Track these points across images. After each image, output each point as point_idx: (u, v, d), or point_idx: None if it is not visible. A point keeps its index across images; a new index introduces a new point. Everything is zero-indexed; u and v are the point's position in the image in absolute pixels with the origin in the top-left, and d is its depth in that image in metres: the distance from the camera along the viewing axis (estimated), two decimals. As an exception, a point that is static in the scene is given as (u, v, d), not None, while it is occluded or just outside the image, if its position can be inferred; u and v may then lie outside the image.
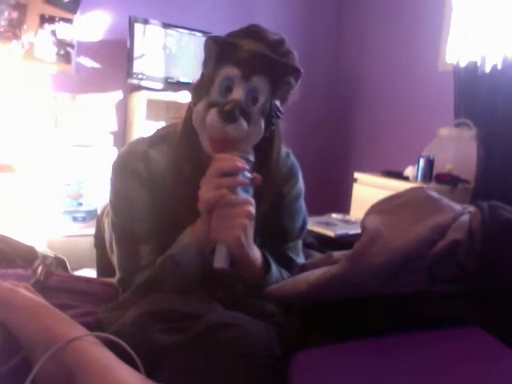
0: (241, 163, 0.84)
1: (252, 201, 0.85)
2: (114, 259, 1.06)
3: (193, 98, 0.91)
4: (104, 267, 1.34)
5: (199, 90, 0.89)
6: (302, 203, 1.10)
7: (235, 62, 0.85)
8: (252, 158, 0.86)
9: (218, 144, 0.87)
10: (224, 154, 0.85)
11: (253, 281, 0.94)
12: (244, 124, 0.85)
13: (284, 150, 1.06)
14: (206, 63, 0.89)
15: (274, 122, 0.90)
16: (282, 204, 1.05)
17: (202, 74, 0.91)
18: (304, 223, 1.11)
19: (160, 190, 0.96)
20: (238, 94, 0.85)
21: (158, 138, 1.00)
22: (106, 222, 1.26)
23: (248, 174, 0.85)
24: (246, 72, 0.84)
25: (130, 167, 0.96)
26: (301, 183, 1.09)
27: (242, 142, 0.87)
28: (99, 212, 1.42)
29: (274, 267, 0.96)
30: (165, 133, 1.01)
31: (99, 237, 1.37)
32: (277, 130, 0.95)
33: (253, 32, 0.90)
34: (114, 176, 0.98)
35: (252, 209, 0.84)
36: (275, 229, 1.04)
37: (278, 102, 0.89)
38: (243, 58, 0.85)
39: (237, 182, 0.84)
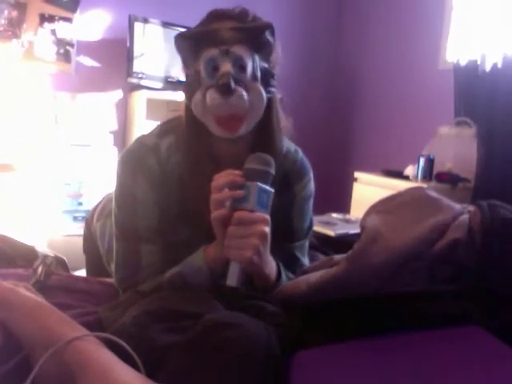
0: (238, 178, 0.83)
1: (268, 218, 0.83)
2: (112, 263, 1.05)
3: (187, 97, 0.92)
4: (95, 272, 1.31)
5: (190, 86, 0.91)
6: (311, 204, 1.11)
7: (211, 44, 0.87)
8: (273, 171, 0.85)
9: (226, 121, 0.88)
10: (227, 171, 0.84)
11: (261, 288, 0.94)
12: (243, 93, 0.86)
13: (292, 145, 1.07)
14: (185, 62, 0.92)
15: (271, 83, 0.91)
16: (292, 202, 1.05)
17: (187, 75, 0.92)
18: (311, 223, 1.11)
19: (169, 185, 0.96)
20: (225, 67, 0.86)
21: (167, 130, 1.00)
22: (98, 227, 1.24)
23: (269, 188, 0.84)
24: (223, 47, 0.87)
25: (141, 162, 0.95)
26: (312, 184, 1.10)
27: (248, 113, 0.88)
28: (90, 214, 1.38)
29: (284, 276, 0.96)
30: (172, 125, 1.01)
31: (89, 241, 1.33)
32: (273, 98, 0.95)
33: (216, 15, 0.94)
34: (121, 170, 0.97)
35: (267, 228, 0.83)
36: (284, 227, 1.03)
37: (266, 65, 0.91)
38: (217, 37, 0.87)
39: (228, 195, 0.82)
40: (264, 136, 0.96)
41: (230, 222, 0.83)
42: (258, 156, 0.85)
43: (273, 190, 0.85)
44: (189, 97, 0.91)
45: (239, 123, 0.88)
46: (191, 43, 0.88)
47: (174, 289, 0.91)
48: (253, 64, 0.88)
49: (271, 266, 0.91)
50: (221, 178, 0.84)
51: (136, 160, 0.96)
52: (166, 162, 0.96)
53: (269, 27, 0.89)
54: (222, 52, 0.86)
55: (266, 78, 0.90)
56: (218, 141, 0.92)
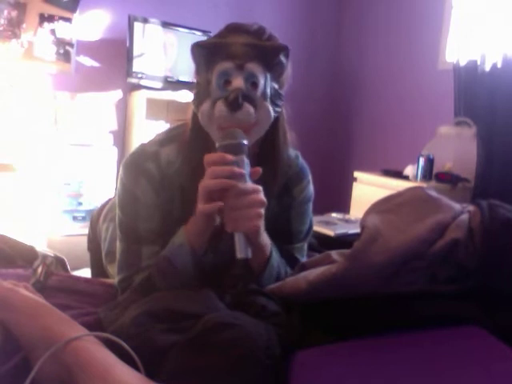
0: (237, 169, 0.84)
1: (260, 188, 0.86)
2: (110, 269, 1.05)
3: (195, 105, 0.92)
4: (98, 271, 1.32)
5: (199, 96, 0.91)
6: (311, 206, 1.11)
7: (226, 57, 0.88)
8: (246, 141, 0.87)
9: None
10: (216, 154, 0.85)
11: (255, 265, 0.94)
12: (250, 109, 0.87)
13: (293, 151, 1.08)
14: (198, 70, 0.93)
15: (278, 104, 0.92)
16: (291, 205, 1.06)
17: (198, 83, 0.93)
18: (311, 226, 1.12)
19: (170, 190, 0.97)
20: (237, 83, 0.87)
21: (169, 139, 1.01)
22: (104, 228, 1.24)
23: (246, 160, 0.86)
24: (239, 62, 0.87)
25: (141, 167, 0.97)
26: (311, 187, 1.11)
27: (253, 127, 0.89)
28: (95, 214, 1.38)
29: (275, 254, 0.97)
30: (175, 133, 1.02)
31: (93, 240, 1.35)
32: (281, 116, 0.96)
33: (233, 28, 0.94)
34: (123, 174, 0.99)
35: (263, 196, 0.85)
36: (283, 229, 1.05)
37: (276, 85, 0.92)
38: (233, 51, 0.88)
39: (235, 170, 0.83)
40: (269, 152, 0.97)
41: (222, 195, 0.84)
42: (231, 131, 0.87)
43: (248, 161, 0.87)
44: (197, 105, 0.91)
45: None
46: (206, 53, 0.89)
47: (160, 274, 0.91)
48: (265, 82, 0.89)
49: (265, 237, 0.93)
50: (219, 169, 0.84)
51: (137, 164, 0.98)
52: (165, 169, 0.97)
53: (284, 49, 0.90)
54: (237, 66, 0.87)
55: (275, 98, 0.91)
56: None
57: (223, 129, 0.88)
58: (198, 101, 0.91)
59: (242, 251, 0.84)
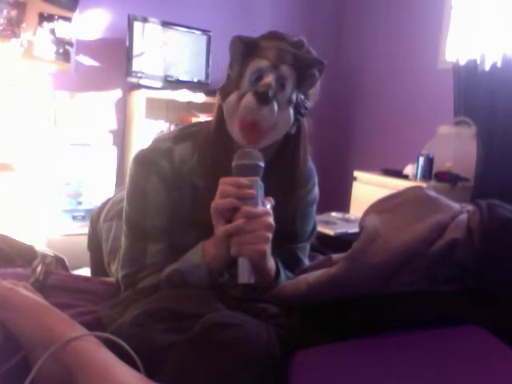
0: (248, 190, 0.83)
1: (270, 211, 0.85)
2: (113, 266, 1.04)
3: (221, 96, 0.92)
4: (98, 270, 1.31)
5: (228, 87, 0.92)
6: (315, 208, 1.11)
7: (263, 55, 0.89)
8: (262, 163, 0.86)
9: (249, 130, 0.88)
10: (231, 178, 0.85)
11: (261, 285, 0.93)
12: (276, 107, 0.87)
13: None
14: (232, 63, 0.93)
15: (302, 112, 0.93)
16: (297, 206, 1.05)
17: (228, 76, 0.93)
18: (314, 227, 1.12)
19: (182, 188, 0.96)
20: (268, 79, 0.88)
21: (184, 136, 1.00)
22: (106, 227, 1.24)
23: (260, 183, 0.85)
24: (274, 62, 0.88)
25: (153, 163, 0.96)
26: (317, 189, 1.11)
27: (272, 130, 0.89)
28: (95, 213, 1.38)
29: (282, 273, 0.96)
30: (190, 131, 1.01)
31: (94, 240, 1.34)
32: (303, 128, 0.98)
33: (275, 34, 0.95)
34: (133, 168, 0.98)
35: (272, 221, 0.84)
36: (287, 229, 1.03)
37: (302, 96, 0.92)
38: (270, 52, 0.89)
39: (241, 192, 0.83)
40: (288, 162, 0.98)
41: (232, 217, 0.83)
42: (248, 152, 0.86)
43: (263, 184, 0.86)
44: (223, 97, 0.92)
45: (261, 136, 0.89)
46: (245, 49, 0.90)
47: (172, 287, 0.90)
48: (292, 88, 0.90)
49: (271, 261, 0.92)
50: (229, 188, 0.84)
51: (149, 160, 0.96)
52: (179, 167, 0.96)
53: (320, 64, 0.91)
54: (271, 66, 0.88)
55: (299, 106, 0.92)
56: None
57: (245, 122, 0.88)
58: (225, 92, 0.91)
59: (244, 277, 0.82)
